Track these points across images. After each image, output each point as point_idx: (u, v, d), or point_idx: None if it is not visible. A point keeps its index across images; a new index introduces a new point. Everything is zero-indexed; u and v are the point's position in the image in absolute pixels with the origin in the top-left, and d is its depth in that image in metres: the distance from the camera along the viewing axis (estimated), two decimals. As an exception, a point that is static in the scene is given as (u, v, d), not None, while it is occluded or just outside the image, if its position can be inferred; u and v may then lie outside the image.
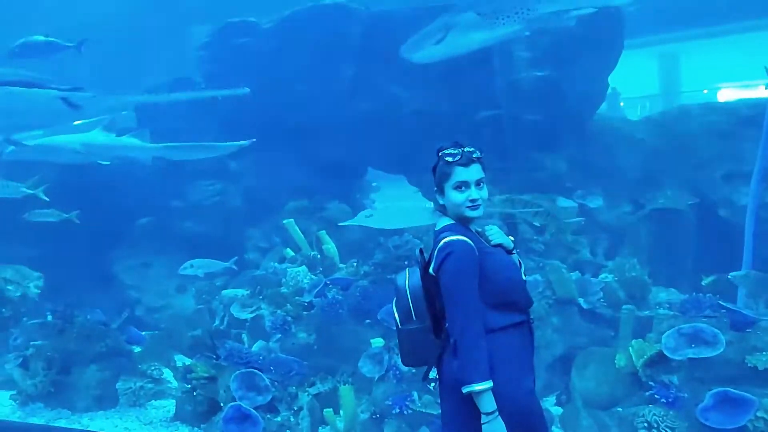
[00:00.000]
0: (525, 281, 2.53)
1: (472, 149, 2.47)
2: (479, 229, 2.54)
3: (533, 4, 6.57)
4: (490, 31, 6.61)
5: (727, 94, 16.48)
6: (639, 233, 7.48)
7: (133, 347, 6.80)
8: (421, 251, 2.57)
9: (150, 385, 6.32)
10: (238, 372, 5.44)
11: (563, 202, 7.28)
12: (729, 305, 5.34)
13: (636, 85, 14.81)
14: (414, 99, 8.04)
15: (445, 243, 2.39)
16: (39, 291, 7.50)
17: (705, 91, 16.97)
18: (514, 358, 2.38)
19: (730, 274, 5.98)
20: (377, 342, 5.71)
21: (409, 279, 2.52)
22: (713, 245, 7.05)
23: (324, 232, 7.34)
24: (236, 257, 7.80)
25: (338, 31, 8.25)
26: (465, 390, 2.30)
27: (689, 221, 7.45)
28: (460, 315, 2.33)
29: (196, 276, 7.77)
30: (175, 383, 6.28)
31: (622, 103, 14.67)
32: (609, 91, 8.96)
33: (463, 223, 2.47)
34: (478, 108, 7.72)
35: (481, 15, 6.50)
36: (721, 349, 4.77)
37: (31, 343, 6.40)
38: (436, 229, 2.52)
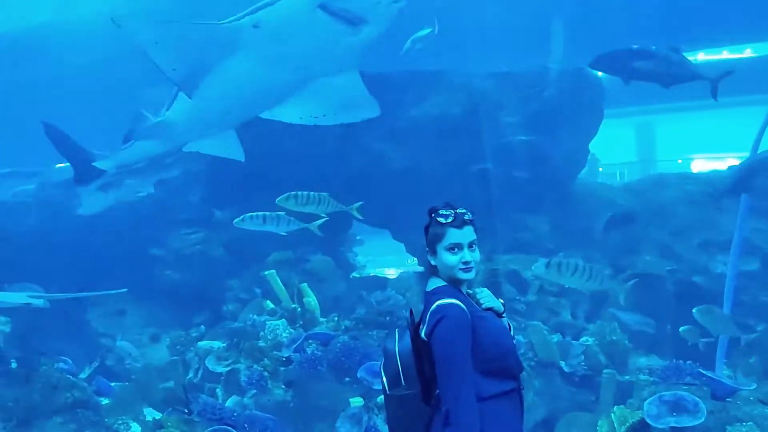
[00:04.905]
0: (516, 346, 2.51)
1: (464, 211, 2.46)
2: (470, 292, 2.51)
3: None
4: None
5: (700, 165, 17.13)
6: (619, 297, 7.55)
7: (101, 399, 6.52)
8: (411, 312, 2.51)
9: (115, 441, 6.02)
10: (210, 429, 5.25)
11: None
12: (709, 373, 5.36)
13: (614, 152, 15.38)
14: (401, 157, 8.21)
15: (438, 306, 2.34)
16: (5, 336, 7.21)
17: (679, 161, 17.64)
18: (504, 428, 2.32)
19: (694, 309, 6.13)
20: (356, 401, 5.57)
21: (398, 342, 2.46)
22: (691, 311, 7.14)
23: (306, 284, 7.26)
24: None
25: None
26: None
27: (667, 287, 7.56)
28: (453, 383, 2.26)
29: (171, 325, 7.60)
30: (142, 439, 6.00)
31: (601, 169, 15.16)
32: (589, 157, 9.28)
33: (454, 284, 2.44)
34: (464, 167, 7.91)
35: None
36: (703, 419, 4.76)
37: (-8, 392, 6.10)
38: (427, 290, 2.48)
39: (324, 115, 6.89)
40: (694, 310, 6.16)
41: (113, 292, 7.48)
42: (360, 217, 7.05)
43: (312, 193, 6.54)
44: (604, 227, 7.63)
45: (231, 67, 6.30)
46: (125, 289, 7.40)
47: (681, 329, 6.33)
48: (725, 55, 14.52)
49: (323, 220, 6.84)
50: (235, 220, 6.86)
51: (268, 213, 6.67)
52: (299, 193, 6.51)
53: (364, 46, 6.04)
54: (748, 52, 14.61)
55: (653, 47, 7.37)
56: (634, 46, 7.42)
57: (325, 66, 6.31)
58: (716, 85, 7.20)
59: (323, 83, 6.44)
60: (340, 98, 6.61)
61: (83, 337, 8.38)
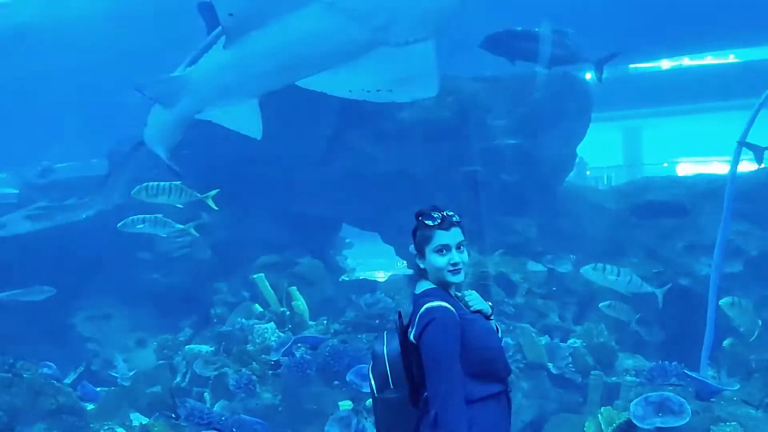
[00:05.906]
0: (504, 348, 2.51)
1: (451, 213, 2.46)
2: (458, 294, 2.51)
3: None
4: None
5: (685, 168, 17.36)
6: (606, 299, 7.61)
7: (87, 404, 6.45)
8: (399, 315, 2.50)
9: (101, 447, 5.96)
10: (198, 433, 5.21)
11: (533, 266, 7.44)
12: (694, 374, 5.43)
13: (601, 155, 15.53)
14: (390, 160, 8.22)
15: (426, 309, 2.33)
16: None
17: (665, 165, 17.87)
18: (492, 431, 2.33)
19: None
20: (345, 405, 5.56)
21: (387, 344, 2.46)
22: (676, 313, 7.21)
23: (294, 288, 7.25)
24: None
25: (319, 93, 8.44)
26: None
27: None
28: (442, 386, 2.26)
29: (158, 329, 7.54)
30: (129, 445, 5.93)
31: (588, 172, 15.30)
32: (576, 160, 9.36)
33: (443, 287, 2.44)
34: (452, 170, 7.93)
35: None
36: (687, 419, 4.82)
37: (-26, 397, 6.01)
38: (416, 292, 2.47)
39: (378, 90, 5.97)
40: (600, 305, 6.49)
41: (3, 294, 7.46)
42: (215, 207, 6.62)
43: (162, 183, 6.48)
44: (646, 215, 7.65)
45: (297, 20, 5.21)
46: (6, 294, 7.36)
47: (600, 305, 6.54)
48: (709, 60, 14.73)
49: (198, 221, 6.99)
50: (119, 224, 6.88)
51: (147, 216, 6.69)
52: (150, 184, 6.51)
53: (460, 8, 5.33)
54: (731, 58, 14.83)
55: (537, 29, 7.48)
56: (518, 28, 7.52)
57: (410, 29, 5.29)
58: (601, 67, 7.42)
59: (388, 51, 5.45)
60: (403, 71, 5.65)
61: (68, 342, 8.28)
